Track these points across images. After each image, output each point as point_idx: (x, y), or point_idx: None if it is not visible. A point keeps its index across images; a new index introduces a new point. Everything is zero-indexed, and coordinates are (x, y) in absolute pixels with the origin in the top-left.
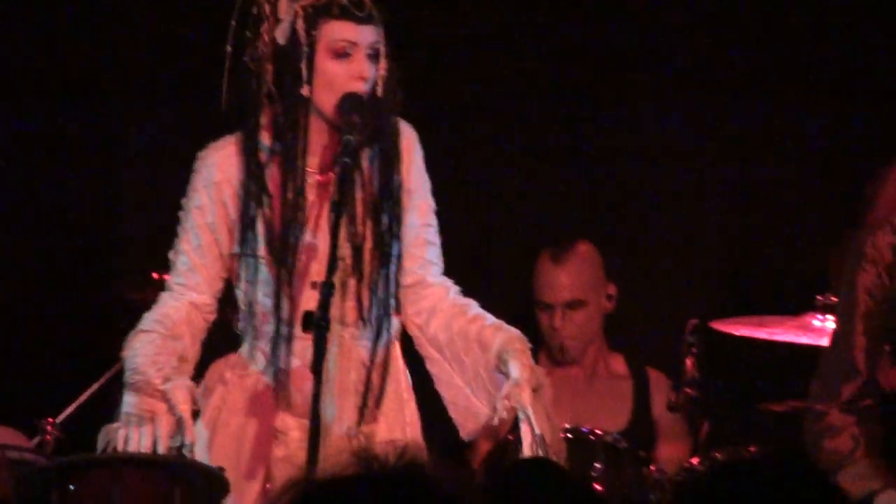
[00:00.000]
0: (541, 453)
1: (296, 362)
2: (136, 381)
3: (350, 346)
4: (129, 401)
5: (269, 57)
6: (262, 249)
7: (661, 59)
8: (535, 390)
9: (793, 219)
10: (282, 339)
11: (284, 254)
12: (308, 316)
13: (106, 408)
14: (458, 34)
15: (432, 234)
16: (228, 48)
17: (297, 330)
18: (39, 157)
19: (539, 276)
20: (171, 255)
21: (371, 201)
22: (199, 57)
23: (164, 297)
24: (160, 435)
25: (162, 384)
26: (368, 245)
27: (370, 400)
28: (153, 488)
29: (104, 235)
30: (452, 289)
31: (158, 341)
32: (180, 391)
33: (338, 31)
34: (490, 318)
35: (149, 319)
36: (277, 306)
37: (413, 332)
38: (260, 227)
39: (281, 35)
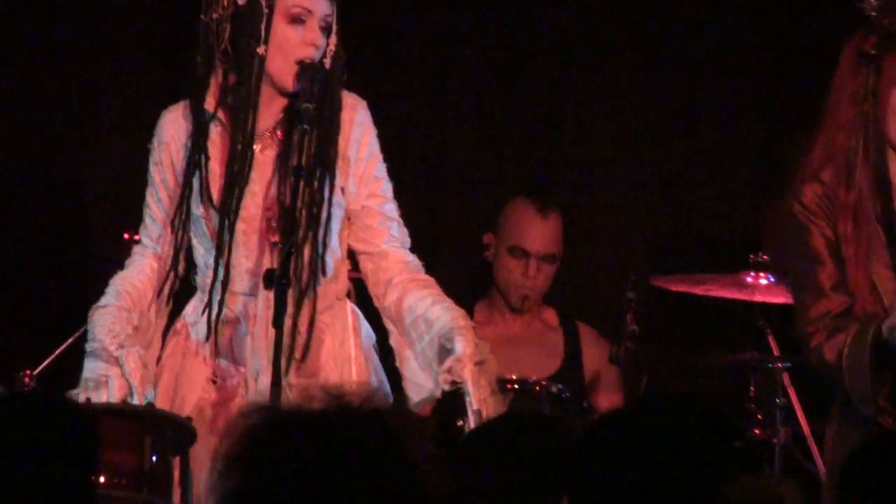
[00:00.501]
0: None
1: (230, 314)
2: (94, 349)
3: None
4: (88, 366)
5: (229, 17)
6: (201, 208)
7: (602, 28)
8: (478, 364)
9: (728, 183)
10: (216, 292)
11: (228, 206)
12: (269, 273)
13: (81, 361)
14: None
15: (386, 208)
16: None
17: (234, 284)
18: (14, 117)
19: (520, 224)
20: (143, 207)
21: (307, 167)
22: (173, 20)
23: (135, 251)
24: (113, 397)
25: (116, 350)
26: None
27: (297, 353)
28: (125, 436)
29: (79, 195)
30: (412, 264)
31: (115, 313)
32: (131, 357)
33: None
34: (440, 296)
35: (111, 291)
36: (217, 259)
37: (375, 303)
38: (199, 186)
39: None
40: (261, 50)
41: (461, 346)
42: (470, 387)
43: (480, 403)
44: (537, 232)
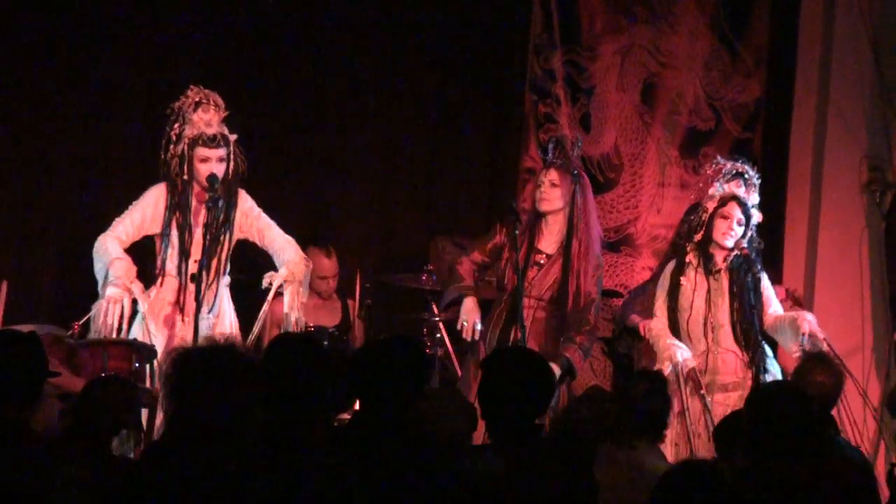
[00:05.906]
0: (293, 315)
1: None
2: (114, 281)
3: (207, 288)
4: (109, 291)
5: (175, 156)
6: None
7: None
8: (288, 281)
9: (413, 224)
10: (185, 282)
11: (183, 244)
12: (193, 276)
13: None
14: None
15: (271, 224)
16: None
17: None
18: None
19: (318, 264)
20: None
21: (215, 223)
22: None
23: (115, 230)
24: (126, 309)
25: (130, 284)
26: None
27: (205, 309)
28: (122, 353)
29: None
30: (293, 247)
31: (127, 265)
32: (137, 288)
33: (202, 152)
34: (296, 252)
35: (115, 247)
36: (179, 267)
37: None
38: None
39: (179, 149)
40: (185, 177)
41: (282, 268)
42: (283, 285)
43: (289, 308)
44: (328, 267)
